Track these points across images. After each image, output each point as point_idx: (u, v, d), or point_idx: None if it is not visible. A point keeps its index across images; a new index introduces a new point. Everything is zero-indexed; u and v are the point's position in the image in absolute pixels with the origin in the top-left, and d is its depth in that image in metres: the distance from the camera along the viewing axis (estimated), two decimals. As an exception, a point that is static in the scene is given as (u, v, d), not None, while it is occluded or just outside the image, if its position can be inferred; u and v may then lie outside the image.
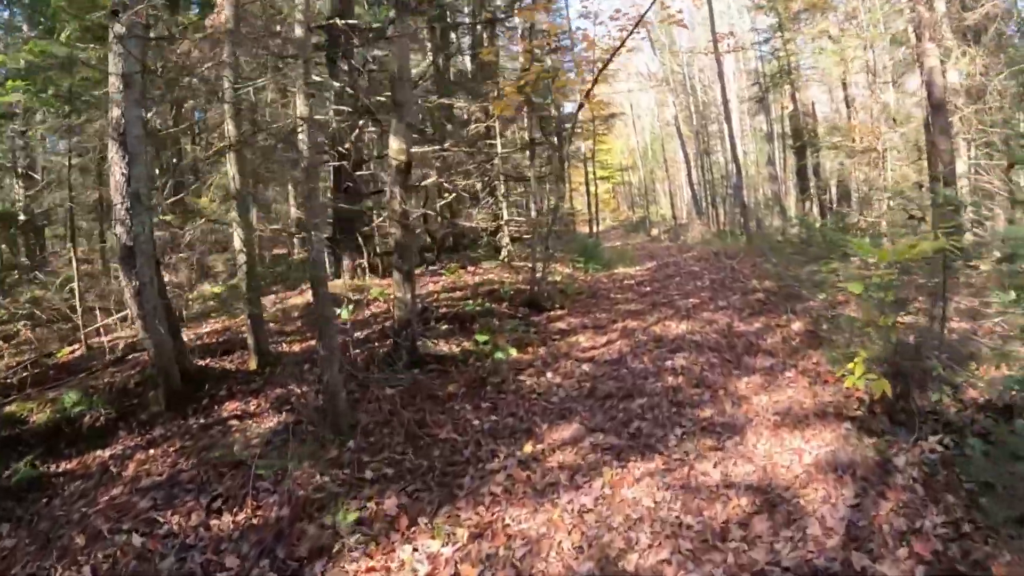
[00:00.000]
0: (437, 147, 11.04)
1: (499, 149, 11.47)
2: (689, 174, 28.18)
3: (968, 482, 3.90)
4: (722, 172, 27.71)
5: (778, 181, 24.01)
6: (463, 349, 7.39)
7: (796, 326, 7.31)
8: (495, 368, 6.79)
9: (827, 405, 5.07)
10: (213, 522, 4.53)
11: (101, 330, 8.55)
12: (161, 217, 8.76)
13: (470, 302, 9.08)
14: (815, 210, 16.17)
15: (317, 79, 10.55)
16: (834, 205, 17.88)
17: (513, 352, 7.27)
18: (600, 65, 8.83)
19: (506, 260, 11.88)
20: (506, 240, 12.18)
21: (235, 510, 4.63)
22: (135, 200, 5.68)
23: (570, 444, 5.14)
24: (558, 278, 11.19)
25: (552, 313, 9.12)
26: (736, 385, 5.93)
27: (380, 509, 4.53)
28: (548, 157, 10.49)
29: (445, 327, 8.16)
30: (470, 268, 11.86)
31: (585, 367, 6.81)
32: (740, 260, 13.18)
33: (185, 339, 7.59)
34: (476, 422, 5.69)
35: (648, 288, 11.14)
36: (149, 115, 7.02)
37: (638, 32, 8.85)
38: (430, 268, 11.67)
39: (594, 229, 21.32)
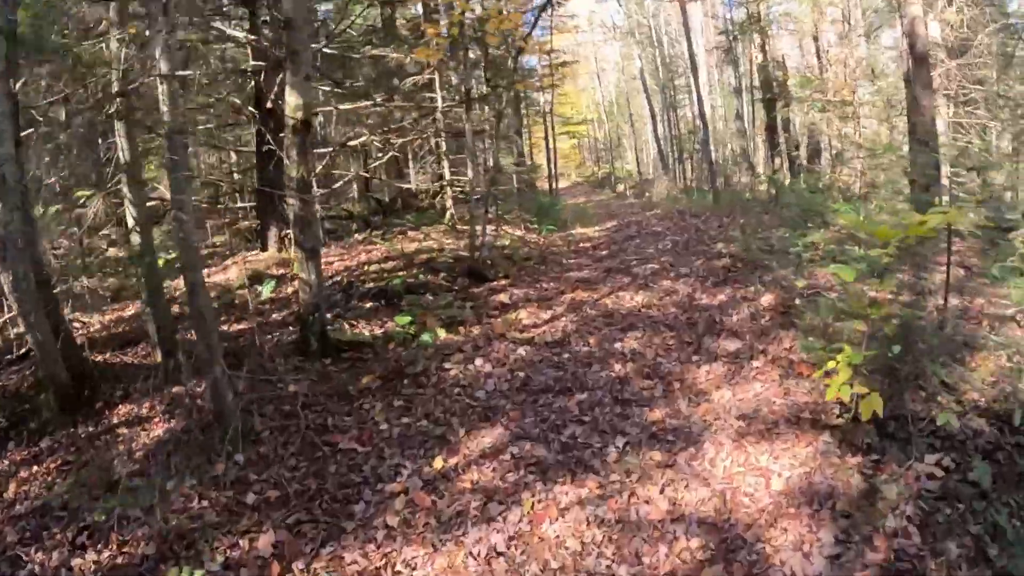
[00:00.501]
0: (370, 103, 9.80)
1: (440, 103, 10.24)
2: (655, 129, 27.16)
3: (975, 522, 3.07)
4: (689, 127, 26.73)
5: (746, 137, 23.10)
6: (386, 332, 6.38)
7: (766, 299, 6.43)
8: (416, 356, 5.79)
9: (802, 408, 4.19)
10: (76, 561, 3.54)
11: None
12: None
13: (402, 274, 8.05)
14: (784, 167, 15.26)
15: (233, 32, 9.23)
16: (804, 162, 17.01)
17: (442, 334, 6.29)
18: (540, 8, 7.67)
19: (450, 224, 10.79)
20: (449, 202, 11.07)
21: (99, 546, 3.64)
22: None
23: (490, 457, 4.20)
24: (506, 242, 10.17)
25: (494, 284, 8.13)
26: (695, 375, 5.03)
27: (253, 548, 3.55)
28: (495, 111, 9.28)
29: (369, 305, 7.13)
30: (411, 233, 10.78)
31: (522, 351, 5.86)
32: (706, 220, 12.31)
33: (89, 330, 6.48)
34: (384, 426, 4.71)
35: (605, 252, 10.20)
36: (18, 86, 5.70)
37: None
38: (373, 234, 10.55)
39: (553, 186, 20.20)
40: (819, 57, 18.20)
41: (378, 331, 6.49)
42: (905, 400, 3.89)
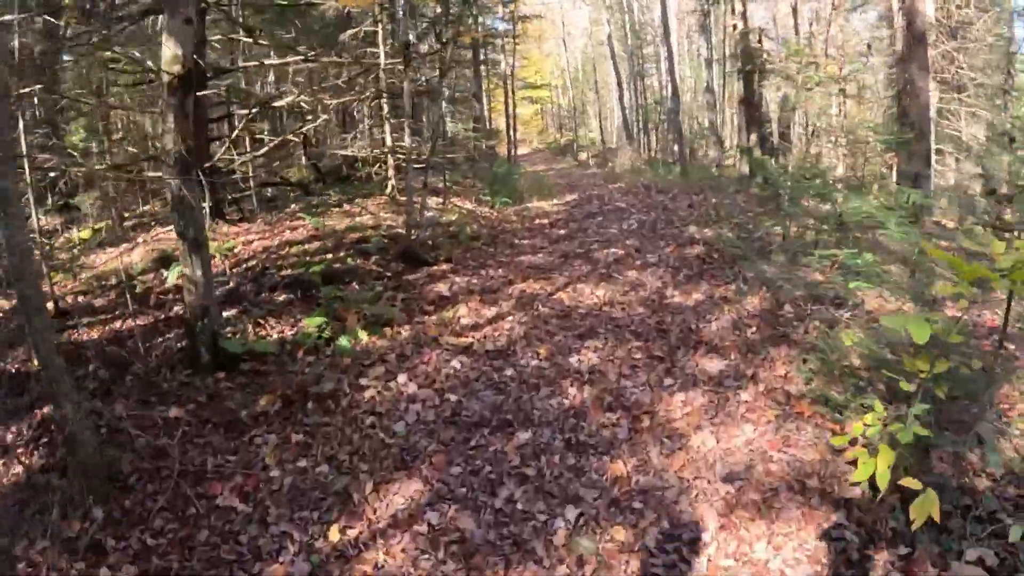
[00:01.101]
0: (299, 57, 8.42)
1: (382, 59, 8.92)
2: (621, 97, 26.02)
3: None
4: (656, 97, 25.68)
5: (716, 110, 22.15)
6: (299, 334, 5.22)
7: (751, 303, 5.47)
8: (325, 370, 4.68)
9: (807, 471, 3.21)
10: None
11: None
12: None
13: (328, 257, 6.88)
14: (756, 143, 14.32)
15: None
16: (776, 139, 16.15)
17: (364, 336, 5.17)
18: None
19: (391, 197, 9.56)
20: (391, 172, 9.82)
21: None
22: None
23: (401, 527, 3.14)
24: (453, 217, 9.00)
25: (434, 269, 7.00)
26: (668, 407, 4.02)
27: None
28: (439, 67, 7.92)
29: (283, 298, 5.95)
30: (349, 206, 9.54)
31: (457, 363, 4.78)
32: (674, 197, 11.33)
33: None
34: (276, 472, 3.60)
35: (563, 231, 9.13)
36: None
37: None
38: (303, 207, 9.27)
39: (512, 154, 18.99)
40: (796, 31, 17.26)
41: (289, 332, 5.33)
42: (931, 460, 2.98)
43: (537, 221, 9.89)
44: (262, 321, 5.55)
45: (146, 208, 11.09)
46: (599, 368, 4.58)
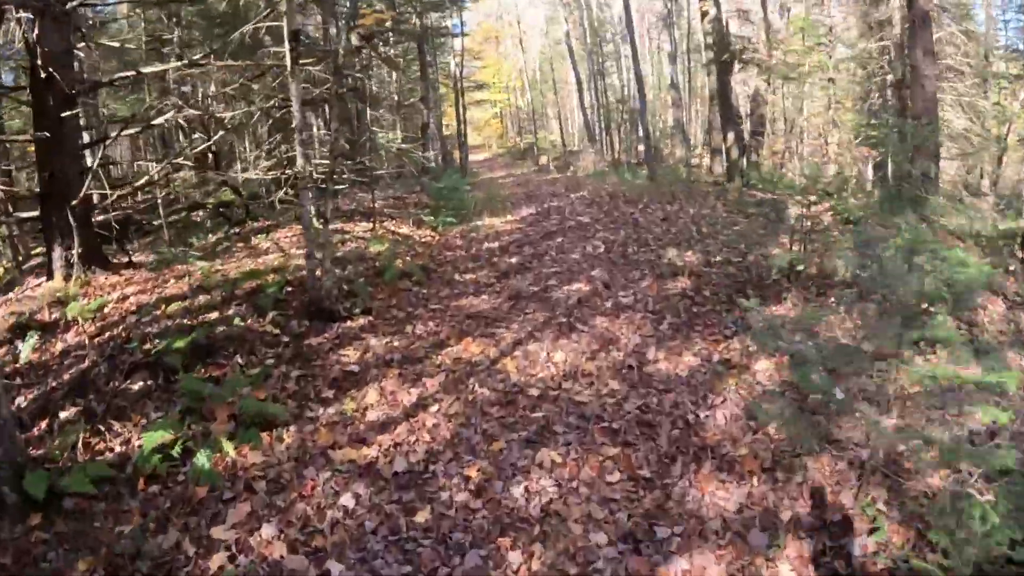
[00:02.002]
0: (184, 63, 6.68)
1: (288, 63, 7.18)
2: (581, 98, 24.60)
3: None
4: (618, 96, 24.30)
5: (681, 106, 20.84)
6: (147, 451, 3.55)
7: (763, 370, 3.98)
8: (168, 514, 3.06)
9: None
10: None
11: None
12: None
13: (212, 317, 5.23)
14: (734, 143, 12.90)
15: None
16: (748, 136, 14.83)
17: (230, 450, 3.54)
18: None
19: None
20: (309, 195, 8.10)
21: None
22: None
23: None
24: (382, 247, 7.35)
25: (347, 326, 5.37)
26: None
27: None
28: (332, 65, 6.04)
29: (139, 387, 4.29)
30: (257, 241, 7.86)
31: (349, 498, 3.17)
32: (645, 207, 9.84)
33: None
34: None
35: (515, 258, 7.56)
36: None
37: None
38: (210, 245, 7.56)
39: (465, 162, 17.41)
40: (766, 18, 15.95)
41: (138, 442, 3.68)
42: None
43: (486, 245, 8.29)
44: (102, 428, 3.89)
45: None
46: (556, 509, 3.01)
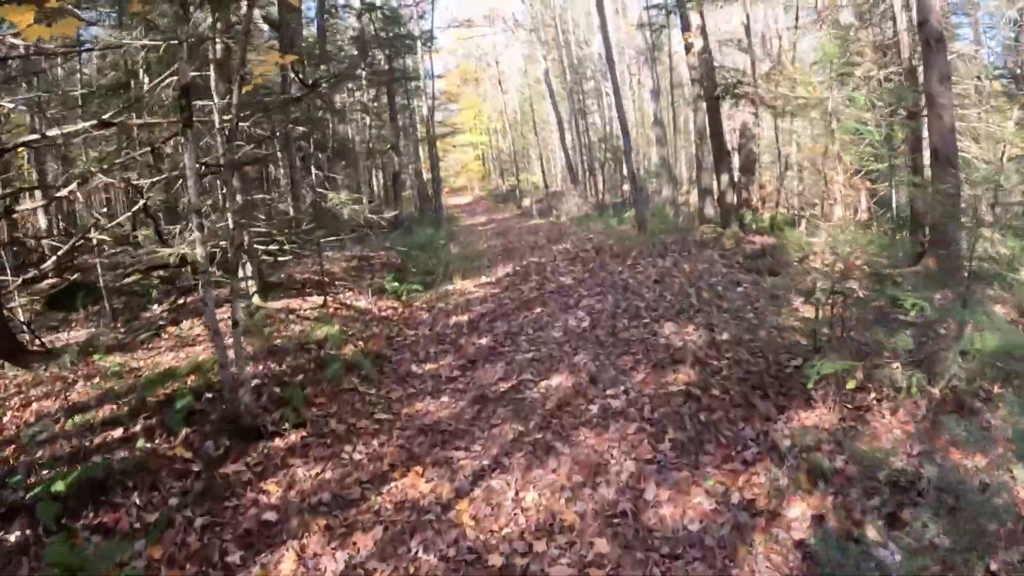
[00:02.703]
0: (91, 122, 5.63)
1: (217, 117, 6.11)
2: (563, 137, 23.91)
3: None
4: (600, 135, 23.57)
5: (666, 144, 20.04)
6: None
7: (796, 517, 2.92)
8: None
9: None
10: None
11: None
12: None
13: (119, 433, 4.19)
14: (728, 185, 11.96)
15: None
16: (738, 175, 13.94)
17: None
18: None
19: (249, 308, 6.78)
20: (248, 270, 7.05)
21: None
22: None
23: None
24: (332, 330, 6.27)
25: (273, 444, 4.27)
26: None
27: None
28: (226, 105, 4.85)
29: (15, 538, 3.23)
30: (189, 324, 6.78)
31: None
32: (635, 264, 8.81)
33: None
34: None
35: (485, 339, 6.50)
36: None
37: None
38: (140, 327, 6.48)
39: (440, 212, 16.46)
40: (750, 46, 15.15)
41: None
42: None
43: (454, 320, 7.23)
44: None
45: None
46: None
